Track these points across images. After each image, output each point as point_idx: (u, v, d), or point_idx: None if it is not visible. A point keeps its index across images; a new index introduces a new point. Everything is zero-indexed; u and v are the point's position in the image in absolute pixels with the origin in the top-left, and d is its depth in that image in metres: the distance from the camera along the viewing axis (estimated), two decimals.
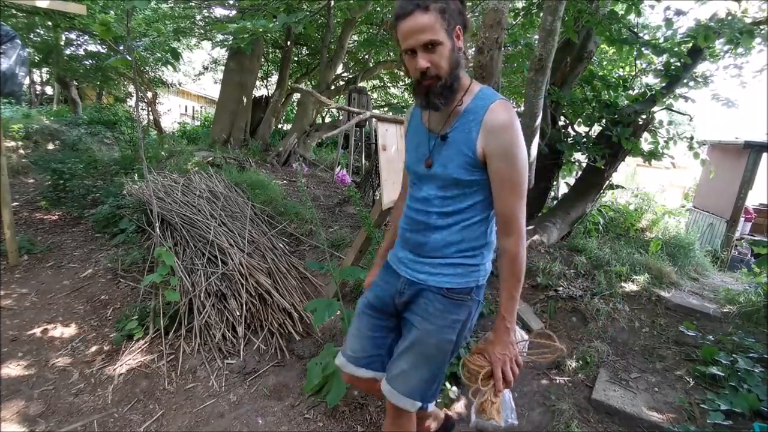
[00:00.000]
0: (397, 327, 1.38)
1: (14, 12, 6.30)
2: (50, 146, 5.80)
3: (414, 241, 1.27)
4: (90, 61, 8.13)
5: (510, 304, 1.20)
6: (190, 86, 14.71)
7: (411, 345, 1.27)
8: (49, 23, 7.10)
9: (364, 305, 1.41)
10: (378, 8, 6.89)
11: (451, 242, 1.22)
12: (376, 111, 5.93)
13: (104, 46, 7.83)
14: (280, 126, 9.78)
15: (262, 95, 8.94)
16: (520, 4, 4.84)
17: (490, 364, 1.21)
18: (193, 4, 7.40)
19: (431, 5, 1.05)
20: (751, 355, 2.43)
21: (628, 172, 8.26)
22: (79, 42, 8.46)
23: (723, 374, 2.30)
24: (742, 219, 6.57)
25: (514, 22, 4.51)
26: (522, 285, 1.21)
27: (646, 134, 3.85)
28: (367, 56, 8.63)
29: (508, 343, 1.20)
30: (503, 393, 1.24)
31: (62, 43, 8.11)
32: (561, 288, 3.10)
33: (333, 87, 7.95)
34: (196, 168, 4.63)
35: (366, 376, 1.38)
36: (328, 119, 10.54)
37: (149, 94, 8.28)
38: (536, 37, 3.78)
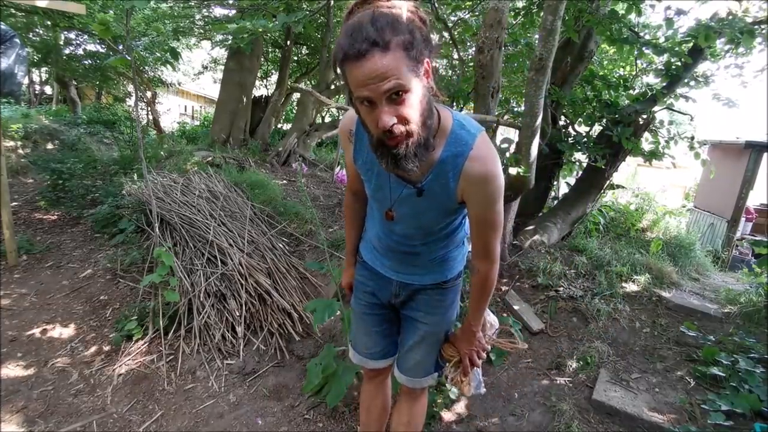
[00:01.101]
0: (397, 314, 1.42)
1: (13, 11, 6.29)
2: (49, 146, 5.79)
3: (400, 259, 1.29)
4: (89, 60, 8.11)
5: (477, 314, 1.27)
6: (190, 86, 14.68)
7: (422, 339, 1.35)
8: (48, 23, 7.08)
9: (364, 307, 1.42)
10: None
11: (438, 250, 1.25)
12: None
13: (103, 46, 7.81)
14: (279, 126, 9.76)
15: (262, 95, 8.93)
16: (520, 4, 4.83)
17: (458, 354, 1.35)
18: (192, 3, 7.39)
19: (392, 41, 0.79)
20: (752, 355, 2.42)
21: (628, 171, 8.24)
22: (78, 41, 8.44)
23: (724, 375, 2.29)
24: (743, 219, 6.57)
25: (514, 22, 4.50)
26: (489, 300, 1.28)
27: (646, 134, 3.84)
28: None
29: (474, 340, 1.31)
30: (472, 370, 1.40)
31: (61, 42, 8.10)
32: (561, 288, 3.10)
33: (333, 87, 7.93)
34: (196, 168, 4.62)
35: (385, 365, 1.47)
36: (328, 119, 10.52)
37: (148, 94, 8.27)
38: (536, 36, 3.77)
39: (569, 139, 3.85)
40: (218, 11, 7.86)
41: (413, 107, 0.85)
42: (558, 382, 2.41)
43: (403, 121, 0.85)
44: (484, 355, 1.35)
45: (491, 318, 1.42)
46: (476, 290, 1.23)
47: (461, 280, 1.38)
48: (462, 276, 1.38)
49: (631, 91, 4.23)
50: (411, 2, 0.86)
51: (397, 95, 0.83)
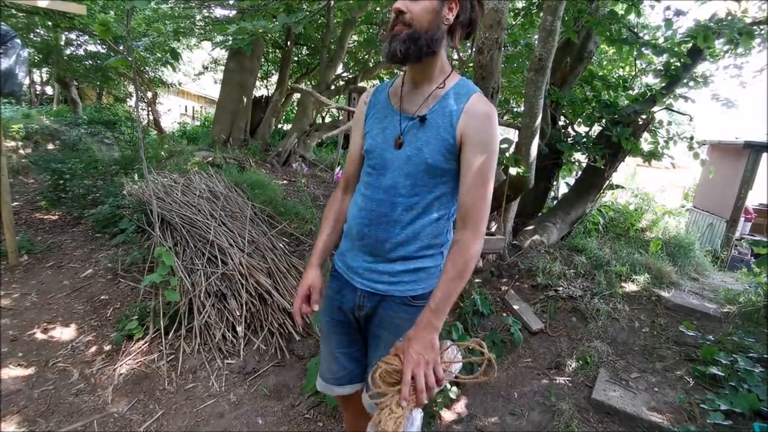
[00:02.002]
0: (365, 337, 1.29)
1: (14, 12, 6.30)
2: (50, 146, 5.80)
3: (373, 237, 1.15)
4: (90, 61, 8.11)
5: (445, 301, 1.02)
6: (190, 86, 14.69)
7: None
8: (49, 23, 7.09)
9: (329, 325, 1.31)
10: (378, 8, 6.88)
11: (413, 238, 1.13)
12: None
13: (104, 46, 7.82)
14: (280, 126, 9.77)
15: (262, 95, 8.94)
16: (520, 4, 4.84)
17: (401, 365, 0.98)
18: (193, 4, 7.40)
19: None
20: (751, 355, 2.43)
21: (628, 172, 8.26)
22: (79, 42, 8.45)
23: (723, 374, 2.30)
24: (742, 219, 6.57)
25: (514, 22, 4.51)
26: (463, 287, 1.06)
27: (646, 134, 3.85)
28: (367, 56, 8.62)
29: (430, 343, 0.99)
30: (410, 410, 0.96)
31: (62, 43, 8.11)
32: (561, 288, 3.10)
33: (333, 87, 7.94)
34: (196, 168, 4.63)
35: (352, 391, 1.33)
36: (328, 119, 10.53)
37: (149, 94, 8.28)
38: (536, 37, 3.78)
39: (569, 139, 3.86)
40: (218, 12, 7.87)
41: (424, 9, 1.04)
42: (557, 381, 2.41)
43: (411, 12, 1.04)
44: (436, 386, 0.97)
45: (455, 352, 1.08)
46: (449, 266, 1.04)
47: None
48: None
49: (630, 92, 4.24)
50: None
51: None
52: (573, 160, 4.28)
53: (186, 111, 15.83)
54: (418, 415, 1.09)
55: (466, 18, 1.10)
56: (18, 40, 2.92)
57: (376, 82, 10.92)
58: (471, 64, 2.53)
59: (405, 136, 1.12)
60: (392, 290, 1.16)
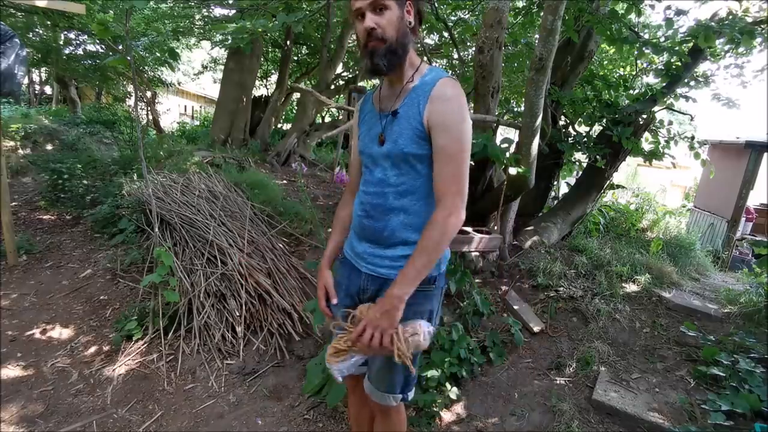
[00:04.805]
0: None
1: (13, 11, 6.29)
2: (49, 146, 5.78)
3: (372, 227, 1.24)
4: (89, 60, 8.10)
5: (410, 275, 1.10)
6: (190, 86, 14.69)
7: None
8: (48, 23, 7.08)
9: (339, 310, 1.34)
10: None
11: (409, 224, 1.21)
12: None
13: (103, 46, 7.81)
14: (279, 126, 9.76)
15: (262, 95, 8.93)
16: (520, 4, 4.83)
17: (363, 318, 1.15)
18: (192, 3, 7.38)
19: None
20: (752, 355, 2.42)
21: (628, 171, 8.25)
22: (78, 41, 8.43)
23: (724, 375, 2.29)
24: (743, 219, 6.57)
25: (514, 22, 4.50)
26: (431, 265, 1.12)
27: (646, 134, 3.84)
28: None
29: (387, 311, 1.10)
30: (351, 352, 1.20)
31: (61, 42, 8.09)
32: (561, 288, 3.10)
33: (333, 86, 7.93)
34: (196, 168, 4.62)
35: (358, 372, 1.37)
36: (327, 119, 10.52)
37: (148, 94, 8.27)
38: (536, 36, 3.77)
39: (569, 139, 3.85)
40: (218, 11, 7.85)
41: (391, 21, 1.12)
42: (558, 382, 2.41)
43: (381, 27, 1.11)
44: (378, 342, 1.10)
45: (425, 326, 1.17)
46: (420, 240, 1.11)
47: (439, 297, 1.29)
48: (438, 287, 1.27)
49: (631, 91, 4.23)
50: None
51: (380, 9, 1.11)
52: (573, 160, 4.27)
53: (185, 111, 15.82)
54: (355, 359, 1.24)
55: (418, 10, 1.19)
56: (17, 40, 2.91)
57: (376, 82, 10.90)
58: (471, 64, 2.52)
59: (385, 132, 1.21)
60: (392, 274, 1.21)
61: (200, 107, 16.34)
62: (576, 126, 4.08)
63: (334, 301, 1.35)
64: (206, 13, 7.96)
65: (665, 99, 3.74)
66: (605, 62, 5.43)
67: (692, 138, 3.76)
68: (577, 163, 4.39)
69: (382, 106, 1.25)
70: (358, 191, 1.32)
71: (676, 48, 3.45)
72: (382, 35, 1.12)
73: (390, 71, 1.17)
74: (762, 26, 3.29)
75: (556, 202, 4.67)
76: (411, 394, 1.38)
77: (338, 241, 1.43)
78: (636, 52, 3.60)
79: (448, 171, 1.13)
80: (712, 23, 2.97)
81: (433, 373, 2.18)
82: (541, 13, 2.73)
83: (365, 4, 1.11)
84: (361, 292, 1.30)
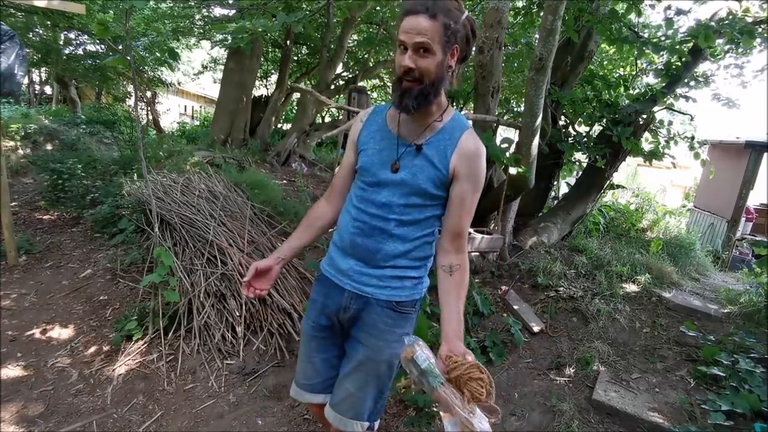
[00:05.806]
0: (344, 340, 1.32)
1: (13, 11, 6.29)
2: (49, 146, 5.78)
3: (365, 247, 1.21)
4: (89, 60, 8.10)
5: (460, 319, 1.19)
6: (190, 86, 14.67)
7: (359, 364, 1.23)
8: (48, 23, 7.08)
9: (311, 329, 1.33)
10: (378, 8, 6.87)
11: (404, 252, 1.22)
12: None
13: (103, 46, 7.81)
14: (279, 126, 9.76)
15: (262, 95, 8.92)
16: (520, 4, 4.83)
17: (462, 360, 1.14)
18: (192, 3, 7.38)
19: (440, 16, 1.07)
20: (752, 355, 2.42)
21: (628, 171, 8.25)
22: (77, 41, 8.44)
23: (724, 375, 2.29)
24: (743, 219, 6.57)
25: (514, 22, 4.50)
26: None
27: (646, 134, 3.84)
28: (367, 56, 8.61)
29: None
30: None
31: (61, 42, 8.09)
32: (561, 288, 3.10)
33: (333, 86, 7.93)
34: (196, 168, 4.62)
35: (323, 401, 1.32)
36: (327, 119, 10.53)
37: (148, 94, 8.27)
38: (537, 36, 3.78)
39: (569, 139, 3.85)
40: (218, 11, 7.85)
41: (430, 66, 1.09)
42: (558, 382, 2.41)
43: (420, 70, 1.09)
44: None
45: (424, 351, 1.17)
46: (458, 287, 1.19)
47: (415, 316, 1.29)
48: (416, 314, 1.29)
49: (631, 91, 4.24)
50: (472, 17, 1.17)
51: (423, 50, 1.08)
52: (573, 160, 4.27)
53: (185, 110, 15.81)
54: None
55: (464, 53, 1.18)
56: (17, 40, 2.91)
57: (376, 81, 10.91)
58: (471, 64, 2.52)
59: (401, 161, 1.21)
60: (379, 293, 1.22)
61: (200, 107, 16.34)
62: (576, 126, 4.08)
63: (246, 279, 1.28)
64: (206, 13, 7.96)
65: (665, 99, 3.74)
66: (605, 62, 5.43)
67: (692, 138, 3.76)
68: (577, 163, 4.40)
69: (402, 132, 1.21)
70: (352, 205, 1.26)
71: (676, 47, 3.46)
72: (419, 76, 1.10)
73: (417, 112, 1.16)
74: (762, 26, 3.29)
75: (556, 202, 4.68)
76: (377, 425, 1.32)
77: (298, 240, 1.36)
78: (636, 52, 3.60)
79: (467, 217, 1.21)
80: (712, 23, 2.97)
81: None
82: (541, 13, 2.73)
83: (411, 42, 1.08)
84: (342, 311, 1.25)
